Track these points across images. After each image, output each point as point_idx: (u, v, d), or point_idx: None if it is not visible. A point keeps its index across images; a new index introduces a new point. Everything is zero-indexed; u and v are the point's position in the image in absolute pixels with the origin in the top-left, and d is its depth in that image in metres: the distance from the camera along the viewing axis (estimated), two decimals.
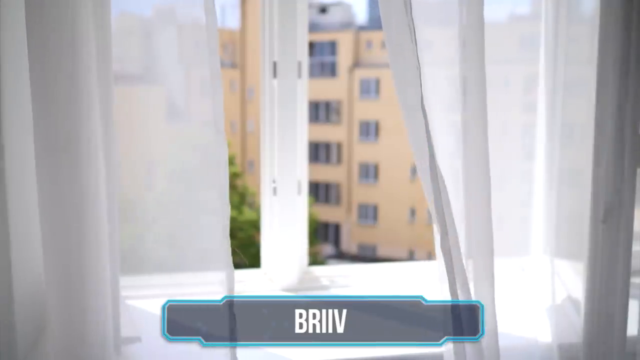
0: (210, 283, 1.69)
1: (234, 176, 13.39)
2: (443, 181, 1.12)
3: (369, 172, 19.34)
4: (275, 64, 1.63)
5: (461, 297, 1.14)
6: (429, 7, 1.25)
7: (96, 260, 1.15)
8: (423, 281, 1.75)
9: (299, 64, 1.64)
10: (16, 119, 1.08)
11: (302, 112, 1.67)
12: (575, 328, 1.46)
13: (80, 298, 1.13)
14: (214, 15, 1.04)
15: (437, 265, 1.19)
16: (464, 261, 1.17)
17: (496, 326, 1.22)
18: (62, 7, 1.03)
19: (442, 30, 1.28)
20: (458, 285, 1.13)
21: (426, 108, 1.11)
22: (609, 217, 1.32)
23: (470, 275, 1.23)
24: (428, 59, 1.23)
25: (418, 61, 1.07)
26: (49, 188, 1.06)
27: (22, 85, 1.09)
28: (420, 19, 1.16)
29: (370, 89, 19.24)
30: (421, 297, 1.23)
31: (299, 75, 1.64)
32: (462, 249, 1.21)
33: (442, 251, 1.11)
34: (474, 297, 1.23)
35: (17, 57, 1.10)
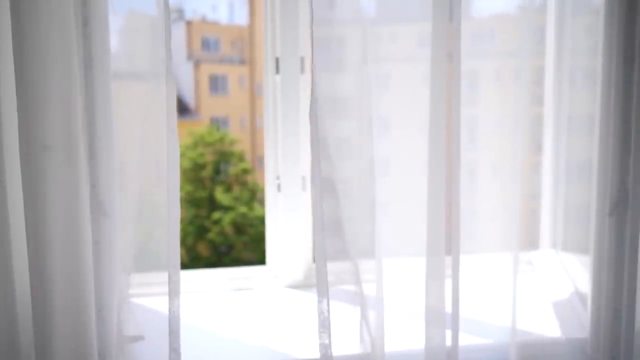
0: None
1: (243, 172, 13.37)
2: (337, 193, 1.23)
3: None
4: (277, 60, 1.62)
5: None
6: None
7: (99, 258, 1.15)
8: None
9: (302, 60, 1.63)
10: (14, 118, 1.08)
11: (306, 108, 1.66)
12: (582, 322, 1.45)
13: (83, 297, 1.13)
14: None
15: None
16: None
17: (457, 326, 1.27)
18: (39, 5, 1.04)
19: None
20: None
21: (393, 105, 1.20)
22: (615, 210, 1.30)
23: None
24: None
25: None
26: (36, 187, 1.07)
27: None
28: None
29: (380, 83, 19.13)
30: None
31: (302, 71, 1.63)
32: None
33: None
34: (424, 295, 1.29)
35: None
